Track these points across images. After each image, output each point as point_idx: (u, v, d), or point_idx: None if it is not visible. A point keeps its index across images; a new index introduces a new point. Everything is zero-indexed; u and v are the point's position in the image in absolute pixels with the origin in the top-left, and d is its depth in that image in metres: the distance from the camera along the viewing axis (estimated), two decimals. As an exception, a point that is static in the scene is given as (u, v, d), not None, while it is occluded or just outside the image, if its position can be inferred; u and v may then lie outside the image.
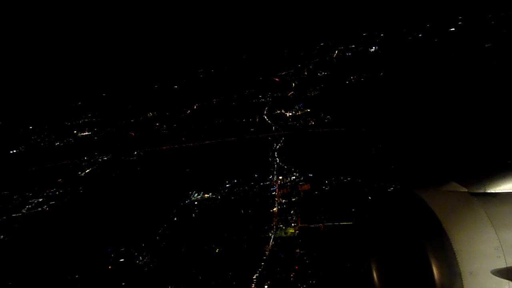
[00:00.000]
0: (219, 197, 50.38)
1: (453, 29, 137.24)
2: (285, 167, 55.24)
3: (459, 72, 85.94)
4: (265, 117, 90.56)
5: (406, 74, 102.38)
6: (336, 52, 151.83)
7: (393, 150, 53.97)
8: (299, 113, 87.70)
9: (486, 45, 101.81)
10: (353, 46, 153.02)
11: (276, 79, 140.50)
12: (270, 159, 59.83)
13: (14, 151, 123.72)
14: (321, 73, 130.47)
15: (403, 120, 66.90)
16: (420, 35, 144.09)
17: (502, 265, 2.58)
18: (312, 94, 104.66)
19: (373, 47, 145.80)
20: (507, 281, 2.54)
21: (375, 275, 3.02)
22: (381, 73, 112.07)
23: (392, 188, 39.32)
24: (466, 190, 2.96)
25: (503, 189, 2.97)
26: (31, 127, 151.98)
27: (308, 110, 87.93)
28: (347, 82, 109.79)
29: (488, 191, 2.96)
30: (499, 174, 3.07)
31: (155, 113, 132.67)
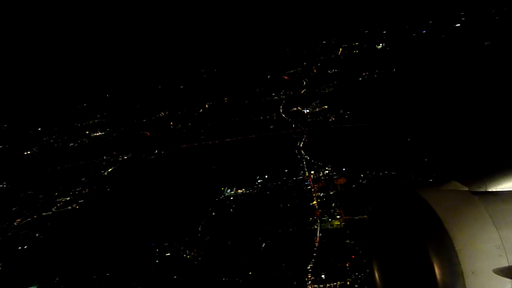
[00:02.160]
0: (253, 192, 50.97)
1: (458, 25, 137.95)
2: (315, 162, 55.86)
3: (462, 70, 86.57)
4: (283, 115, 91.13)
5: (413, 71, 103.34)
6: (341, 49, 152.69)
7: (423, 143, 54.54)
8: (317, 109, 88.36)
9: (485, 43, 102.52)
10: (357, 43, 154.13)
11: (286, 77, 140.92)
12: (298, 155, 60.41)
13: (28, 152, 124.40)
14: (331, 71, 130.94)
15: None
16: (424, 31, 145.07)
17: (504, 264, 2.57)
18: (327, 91, 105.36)
19: (381, 44, 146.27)
20: (509, 280, 2.55)
21: (376, 275, 3.04)
22: (394, 69, 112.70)
23: (431, 179, 39.78)
24: (467, 189, 2.94)
25: (505, 188, 2.94)
26: (39, 129, 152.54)
27: (326, 106, 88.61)
28: (360, 78, 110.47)
29: (490, 190, 2.94)
30: (500, 172, 3.04)
31: (167, 112, 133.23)
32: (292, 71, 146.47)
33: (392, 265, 2.93)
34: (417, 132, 61.11)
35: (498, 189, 2.93)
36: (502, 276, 2.54)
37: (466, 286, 2.52)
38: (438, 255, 2.58)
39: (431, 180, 3.14)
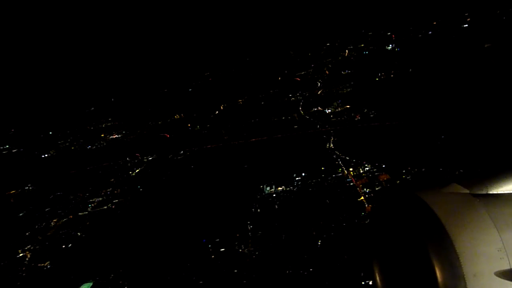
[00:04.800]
0: (294, 189, 51.61)
1: (466, 25, 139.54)
2: (351, 159, 56.57)
3: (464, 72, 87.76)
4: (306, 116, 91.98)
5: (418, 71, 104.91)
6: (347, 51, 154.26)
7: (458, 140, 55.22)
8: (339, 109, 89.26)
9: (485, 45, 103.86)
10: (362, 45, 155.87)
11: (298, 79, 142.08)
12: (334, 155, 61.04)
13: (46, 155, 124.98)
14: (345, 72, 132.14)
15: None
16: (430, 32, 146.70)
17: (505, 266, 2.57)
18: (345, 91, 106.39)
19: (390, 45, 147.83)
20: (511, 282, 2.54)
21: (377, 278, 3.02)
22: (410, 70, 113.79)
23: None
24: (468, 191, 2.94)
25: (505, 190, 2.95)
26: (51, 133, 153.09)
27: (348, 106, 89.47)
28: (377, 79, 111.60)
29: (490, 192, 2.94)
30: (501, 175, 3.05)
31: (182, 115, 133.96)
32: (303, 72, 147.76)
33: (393, 268, 2.94)
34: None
35: (499, 192, 2.94)
36: (504, 278, 2.54)
37: None
38: (439, 258, 2.58)
39: (432, 182, 3.17)
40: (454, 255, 2.58)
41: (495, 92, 66.75)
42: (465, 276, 2.54)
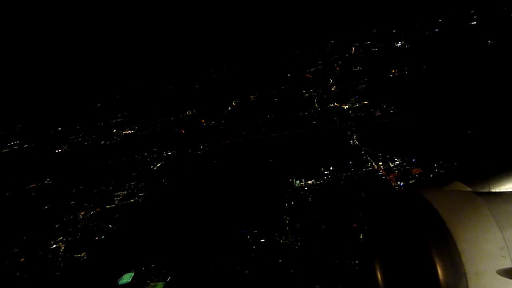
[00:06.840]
0: (325, 183, 52.10)
1: (474, 23, 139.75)
2: (379, 154, 57.04)
3: (468, 70, 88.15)
4: (324, 111, 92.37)
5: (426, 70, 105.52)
6: (353, 48, 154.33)
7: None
8: (357, 105, 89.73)
9: (489, 42, 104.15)
10: (369, 42, 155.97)
11: (308, 76, 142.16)
12: (362, 150, 61.46)
13: (59, 150, 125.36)
14: (356, 68, 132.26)
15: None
16: (436, 30, 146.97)
17: (507, 265, 2.57)
18: (360, 87, 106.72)
19: (399, 42, 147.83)
20: None
21: (379, 275, 3.02)
22: (424, 66, 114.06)
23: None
24: (470, 189, 2.93)
25: (508, 188, 2.95)
26: (60, 128, 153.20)
27: (366, 102, 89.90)
28: (391, 75, 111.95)
29: (493, 190, 2.94)
30: (503, 173, 3.05)
31: (194, 111, 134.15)
32: (312, 69, 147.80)
33: (394, 266, 2.93)
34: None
35: (501, 190, 2.95)
36: (506, 277, 2.54)
37: (469, 287, 2.53)
38: (441, 256, 2.59)
39: (434, 180, 3.20)
40: (456, 253, 2.59)
41: (498, 91, 67.29)
42: (466, 274, 2.55)
